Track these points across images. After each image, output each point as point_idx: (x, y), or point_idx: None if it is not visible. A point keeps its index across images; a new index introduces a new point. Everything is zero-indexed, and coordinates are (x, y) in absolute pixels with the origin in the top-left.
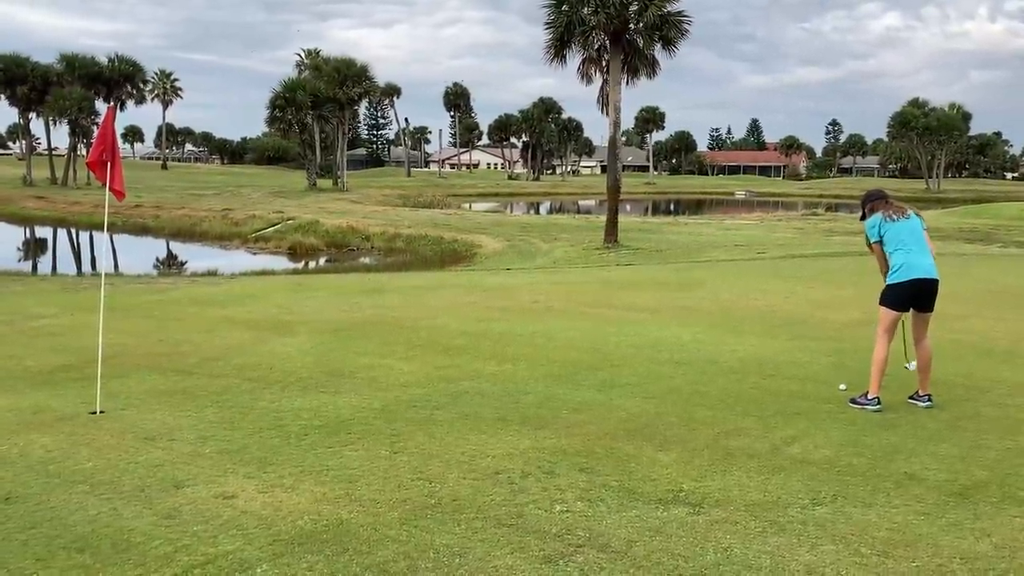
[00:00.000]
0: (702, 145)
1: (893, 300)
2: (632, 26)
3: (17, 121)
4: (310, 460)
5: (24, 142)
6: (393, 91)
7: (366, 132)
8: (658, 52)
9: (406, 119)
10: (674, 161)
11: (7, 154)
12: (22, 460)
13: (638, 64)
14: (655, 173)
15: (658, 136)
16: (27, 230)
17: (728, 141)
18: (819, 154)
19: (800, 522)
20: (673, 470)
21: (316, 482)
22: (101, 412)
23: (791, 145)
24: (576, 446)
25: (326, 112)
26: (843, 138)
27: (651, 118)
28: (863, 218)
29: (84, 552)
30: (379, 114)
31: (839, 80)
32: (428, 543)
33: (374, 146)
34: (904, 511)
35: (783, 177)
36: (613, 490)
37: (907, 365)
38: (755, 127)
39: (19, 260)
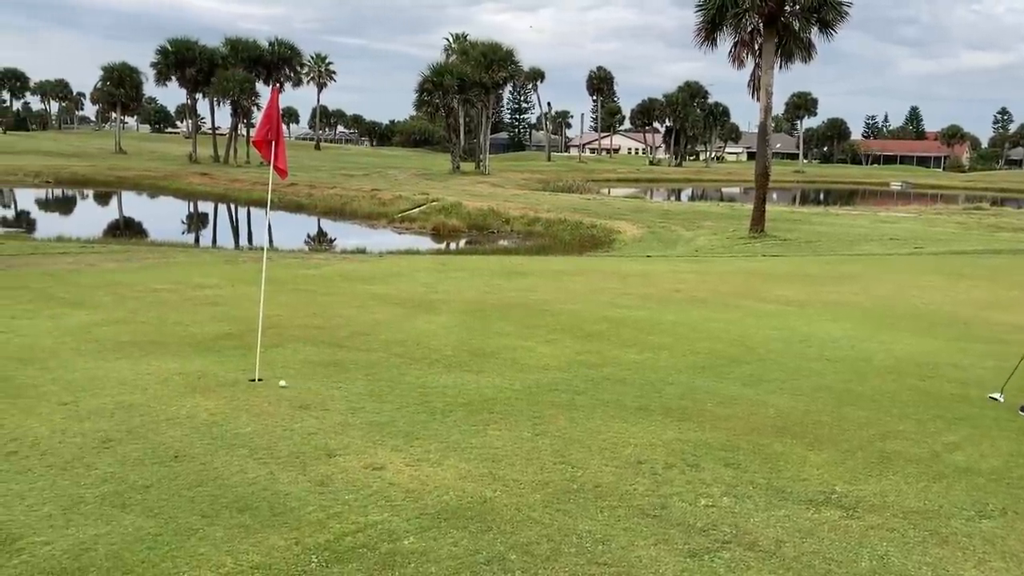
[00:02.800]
0: (856, 133)
1: None
2: (788, 8)
3: (185, 101)
4: (455, 437)
5: (190, 121)
6: (537, 75)
7: (508, 116)
8: (814, 35)
9: (548, 103)
10: (825, 149)
11: (175, 132)
12: (189, 421)
13: (793, 48)
14: (805, 161)
15: (809, 123)
16: (191, 204)
17: (884, 129)
18: (985, 145)
19: (965, 535)
20: (825, 471)
21: (461, 459)
22: (260, 380)
23: (953, 135)
24: (721, 440)
25: (471, 96)
26: (1013, 128)
27: (802, 104)
28: None
29: (244, 513)
30: (522, 98)
31: (1011, 66)
32: (571, 528)
33: (516, 130)
34: None
35: (943, 168)
36: (761, 487)
37: (996, 396)
38: (914, 115)
39: (183, 233)
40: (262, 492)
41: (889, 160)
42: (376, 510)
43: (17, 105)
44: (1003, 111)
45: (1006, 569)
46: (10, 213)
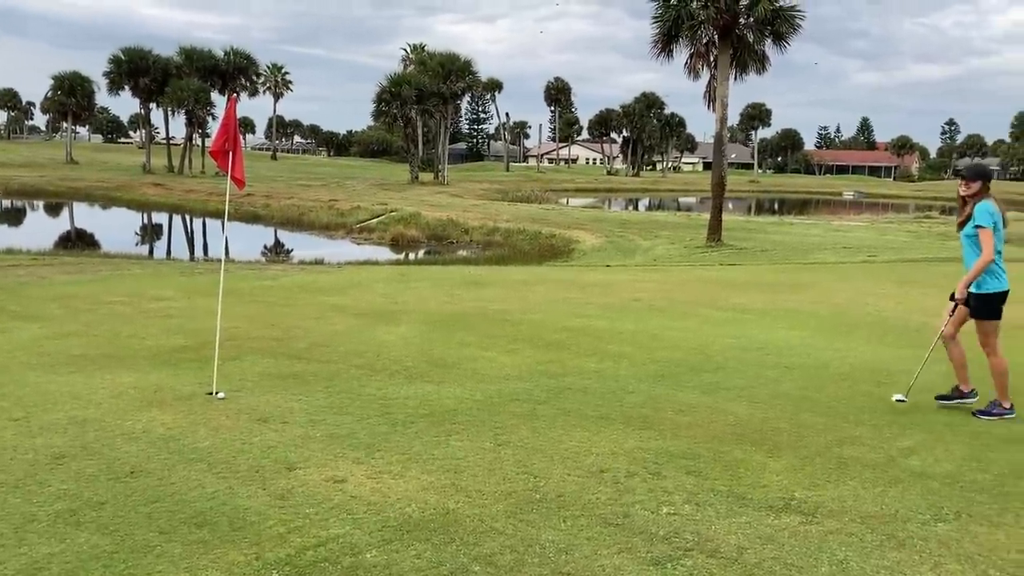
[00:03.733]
0: (809, 143)
1: (997, 312)
2: (742, 21)
3: (138, 111)
4: (416, 448)
5: (144, 131)
6: (495, 86)
7: (467, 126)
8: (768, 47)
9: (507, 113)
10: (779, 159)
11: (128, 143)
12: (145, 436)
13: (747, 59)
14: (759, 171)
15: (763, 133)
16: (145, 215)
17: (836, 140)
18: (933, 155)
19: (921, 538)
20: (784, 477)
21: (423, 470)
22: (218, 393)
23: (903, 145)
24: (682, 448)
25: (430, 106)
26: (960, 138)
27: (756, 115)
28: (971, 179)
29: (203, 528)
30: (480, 108)
31: (958, 78)
32: (534, 538)
33: (474, 140)
34: None
35: (894, 178)
36: (722, 495)
37: (900, 398)
38: (865, 126)
39: (137, 244)
40: (221, 507)
41: (841, 170)
42: (337, 523)
43: None
44: (950, 122)
45: (961, 572)
46: None
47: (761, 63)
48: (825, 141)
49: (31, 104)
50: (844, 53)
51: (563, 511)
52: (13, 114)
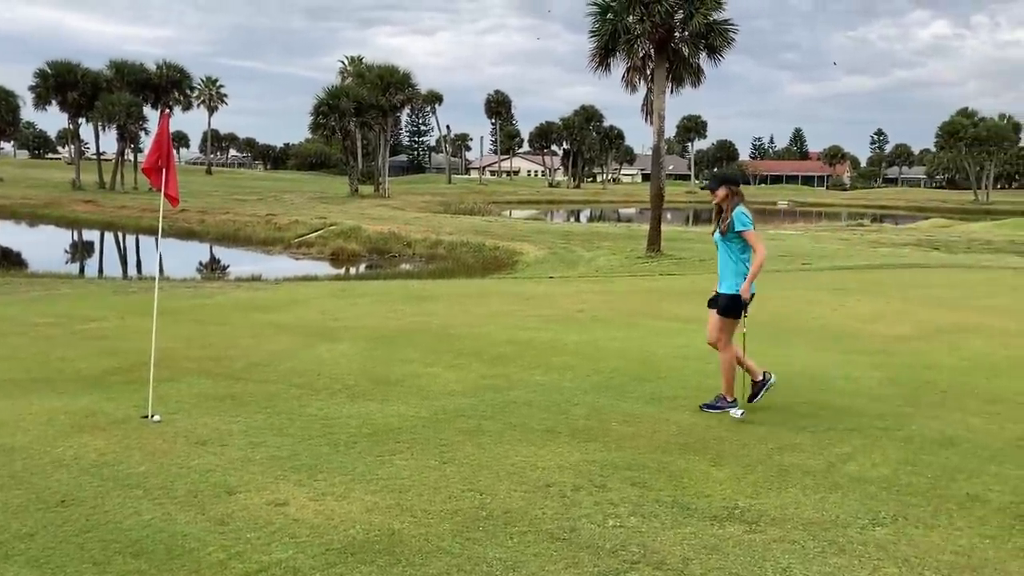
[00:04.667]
0: (744, 154)
1: (738, 311)
2: (677, 34)
3: (67, 126)
4: (360, 468)
5: (73, 147)
6: (435, 98)
7: (407, 139)
8: (703, 61)
9: (447, 126)
10: (716, 170)
11: (57, 158)
12: (76, 463)
13: (683, 73)
14: (696, 182)
15: (700, 144)
16: (75, 233)
17: (770, 150)
18: (864, 164)
19: (860, 543)
20: (727, 486)
21: (367, 491)
22: (153, 416)
23: (835, 155)
24: (627, 459)
25: (369, 119)
26: (889, 148)
27: (693, 127)
28: (713, 189)
29: (140, 557)
30: (421, 121)
31: (885, 89)
32: (481, 556)
33: (415, 153)
34: (968, 534)
35: (826, 187)
36: (667, 505)
37: (738, 413)
38: (798, 136)
39: (67, 263)
40: (158, 534)
41: (776, 180)
42: (280, 547)
43: None
44: (879, 132)
45: (899, 574)
46: None
47: (696, 76)
48: (759, 152)
49: None
50: (776, 65)
51: (510, 527)
52: None
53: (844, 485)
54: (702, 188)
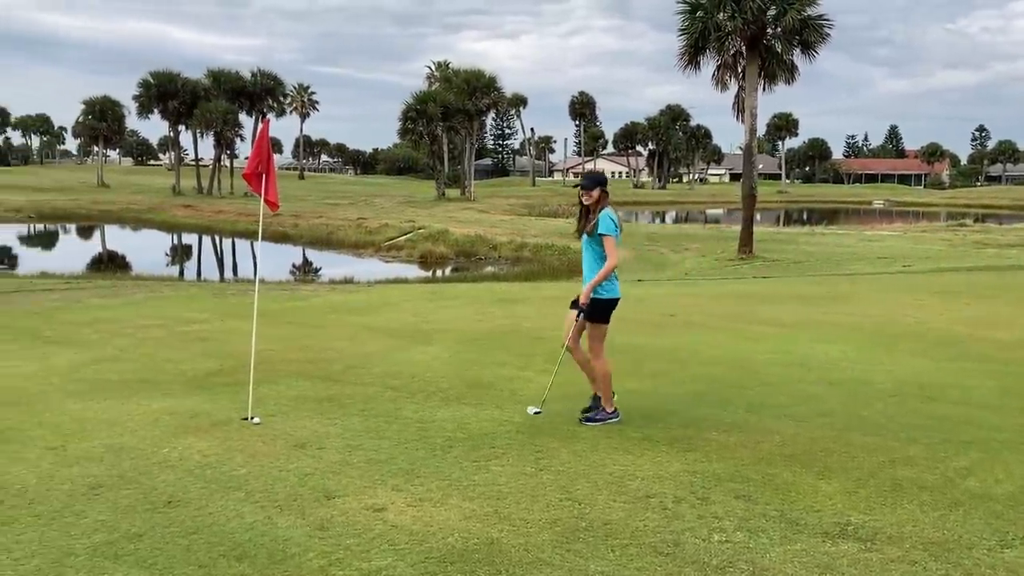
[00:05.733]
0: (837, 152)
1: (605, 315)
2: (770, 31)
3: (168, 134)
4: (456, 474)
5: (173, 153)
6: (519, 101)
7: (492, 142)
8: (797, 57)
9: (531, 129)
10: (807, 169)
11: (158, 164)
12: (181, 464)
13: (776, 70)
14: (787, 181)
15: (791, 143)
16: (175, 237)
17: (865, 148)
18: (964, 162)
19: (988, 566)
20: (838, 501)
21: (464, 497)
22: (253, 418)
23: (933, 152)
24: (730, 471)
25: (455, 123)
26: (991, 144)
27: (784, 125)
28: (589, 188)
29: (243, 561)
30: (505, 124)
31: (987, 83)
32: (582, 569)
33: (499, 156)
34: None
35: (924, 186)
36: (774, 520)
37: (535, 410)
38: (894, 134)
39: (168, 265)
40: (260, 538)
41: (870, 179)
42: (379, 555)
43: None
44: (981, 128)
45: None
46: None
47: (790, 73)
48: (853, 150)
49: (63, 129)
50: (868, 60)
51: (611, 540)
52: (46, 139)
53: (965, 502)
54: (575, 187)
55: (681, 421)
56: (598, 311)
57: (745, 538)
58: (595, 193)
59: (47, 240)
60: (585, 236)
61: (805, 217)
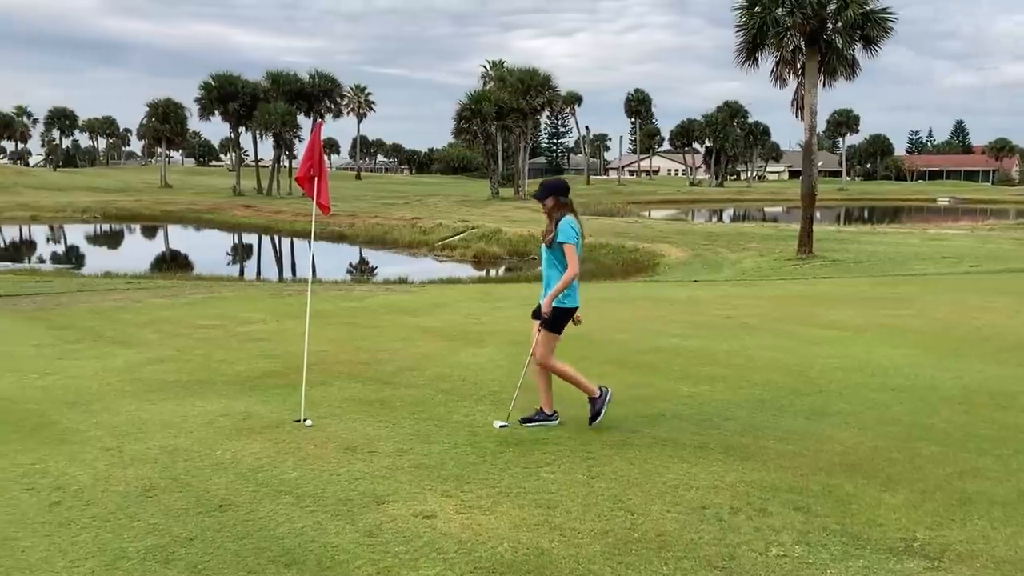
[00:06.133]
0: (900, 149)
1: (559, 324)
2: (830, 26)
3: (228, 135)
4: (507, 481)
5: (234, 154)
6: (574, 99)
7: (546, 140)
8: (858, 52)
9: (586, 127)
10: (868, 166)
11: (220, 165)
12: (234, 467)
13: (836, 65)
14: (848, 178)
15: (851, 140)
16: (235, 236)
17: (929, 144)
18: None
19: None
20: (903, 514)
21: (514, 505)
22: (305, 420)
23: (1002, 147)
24: (788, 481)
25: (509, 122)
26: None
27: (844, 121)
28: (541, 199)
29: (291, 567)
30: (559, 122)
31: None
32: None
33: (554, 154)
34: None
35: (992, 182)
36: (835, 534)
37: (501, 424)
38: (960, 129)
39: (228, 264)
40: (309, 544)
41: (935, 175)
42: (428, 563)
43: (66, 143)
44: None
45: None
46: (60, 249)
47: (851, 69)
48: (917, 146)
49: (128, 131)
50: (933, 54)
51: (664, 552)
52: (111, 141)
53: None
54: (531, 196)
55: (738, 428)
56: (552, 320)
57: (804, 552)
58: (548, 202)
59: (112, 240)
60: (544, 246)
61: (866, 215)
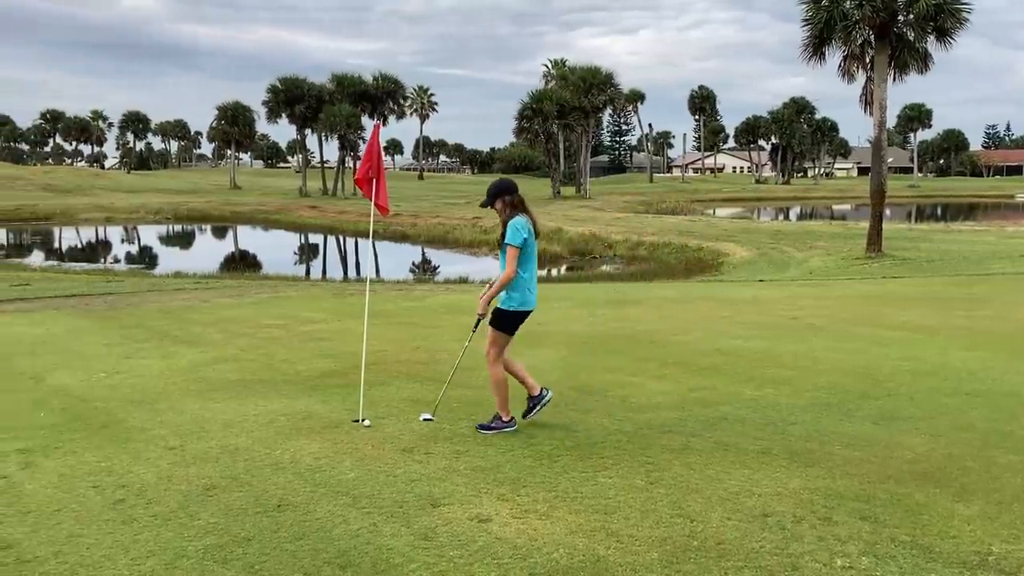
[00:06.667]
0: (975, 144)
1: (512, 327)
2: (901, 18)
3: (295, 137)
4: (564, 485)
5: (300, 156)
6: (637, 97)
7: (609, 139)
8: (931, 45)
9: (649, 124)
10: (941, 162)
11: (287, 167)
12: (292, 467)
13: (907, 59)
14: (919, 175)
15: (923, 135)
16: (301, 237)
17: (1007, 139)
18: None
19: None
20: (978, 527)
21: (570, 510)
22: (364, 421)
23: None
24: (854, 489)
25: (571, 120)
26: None
27: (916, 116)
28: (489, 205)
29: (347, 569)
30: (622, 120)
31: None
32: None
33: (616, 152)
34: None
35: None
36: (904, 546)
37: (427, 416)
38: None
39: (294, 264)
40: (365, 546)
41: (1013, 171)
42: (482, 568)
43: (140, 146)
44: None
45: None
46: (133, 249)
47: (923, 62)
48: (994, 141)
49: (199, 134)
50: (1012, 45)
51: (724, 561)
52: (183, 143)
53: None
54: (480, 206)
55: (802, 433)
56: (505, 321)
57: (871, 564)
58: (497, 206)
59: (183, 240)
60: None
61: (939, 213)
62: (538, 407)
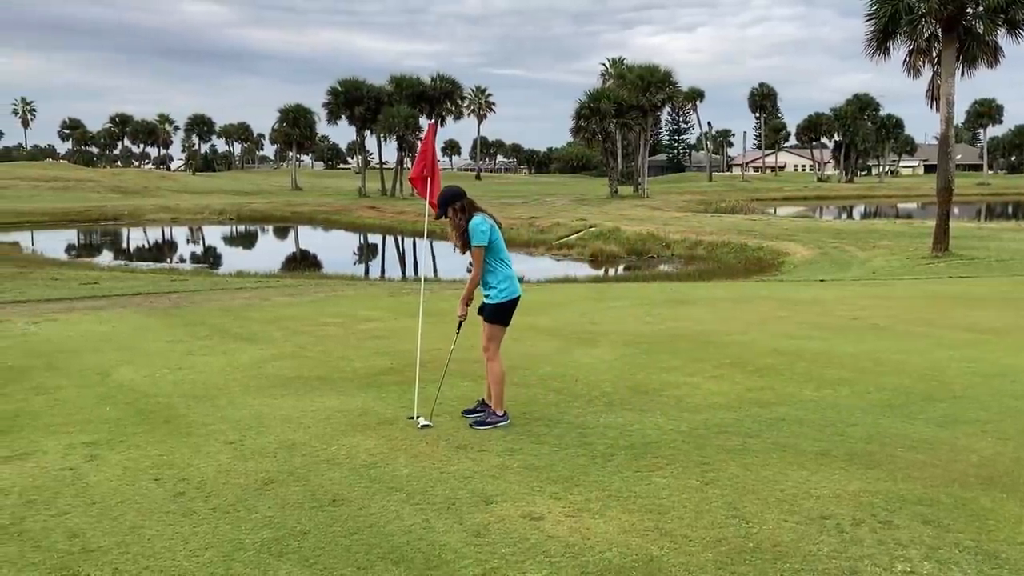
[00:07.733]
0: None
1: (505, 318)
2: (970, 11)
3: (354, 138)
4: (617, 484)
5: (359, 157)
6: (696, 95)
7: (667, 138)
8: (1001, 37)
9: (708, 123)
10: (1013, 159)
11: (346, 168)
12: (348, 462)
13: (976, 52)
14: (989, 172)
15: (994, 131)
16: (361, 237)
17: None
18: None
19: None
20: None
21: (623, 509)
22: (418, 418)
23: None
24: (917, 492)
25: (629, 119)
26: None
27: (986, 111)
28: (442, 216)
29: (399, 565)
30: (681, 119)
31: None
32: None
33: (675, 151)
34: None
35: None
36: (969, 551)
37: (420, 419)
38: None
39: (354, 264)
40: (417, 542)
41: None
42: (534, 566)
43: (204, 148)
44: None
45: None
46: (197, 249)
47: (993, 55)
48: None
49: (261, 136)
50: None
51: (780, 563)
52: (246, 145)
53: None
54: (435, 219)
55: (862, 435)
56: (497, 314)
57: (933, 570)
58: (450, 214)
59: (245, 240)
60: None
61: (1010, 211)
62: (484, 415)
